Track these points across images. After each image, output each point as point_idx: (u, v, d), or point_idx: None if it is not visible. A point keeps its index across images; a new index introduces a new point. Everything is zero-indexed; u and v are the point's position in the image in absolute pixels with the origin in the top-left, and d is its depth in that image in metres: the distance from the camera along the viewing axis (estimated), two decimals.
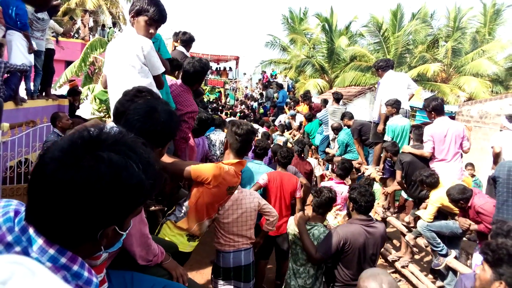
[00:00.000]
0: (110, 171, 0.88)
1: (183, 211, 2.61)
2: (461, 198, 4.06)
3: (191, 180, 2.56)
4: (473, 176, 7.16)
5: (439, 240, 4.55)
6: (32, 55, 6.42)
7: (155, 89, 2.71)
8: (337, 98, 8.77)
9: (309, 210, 4.73)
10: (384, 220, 6.20)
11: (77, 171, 0.86)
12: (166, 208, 3.33)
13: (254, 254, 3.54)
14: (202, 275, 4.63)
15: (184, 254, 2.68)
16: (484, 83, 19.81)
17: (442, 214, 4.66)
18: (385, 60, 6.41)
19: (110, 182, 0.88)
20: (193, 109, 3.23)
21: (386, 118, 5.95)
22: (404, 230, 5.46)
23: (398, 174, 5.29)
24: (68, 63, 13.01)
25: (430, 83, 20.80)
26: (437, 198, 4.43)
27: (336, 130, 7.87)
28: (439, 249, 4.51)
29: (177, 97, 3.20)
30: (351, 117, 7.34)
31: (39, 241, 0.90)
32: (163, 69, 2.90)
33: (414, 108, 16.71)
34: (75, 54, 13.95)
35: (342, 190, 4.89)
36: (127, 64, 2.71)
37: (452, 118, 8.46)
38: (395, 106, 5.78)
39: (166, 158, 2.53)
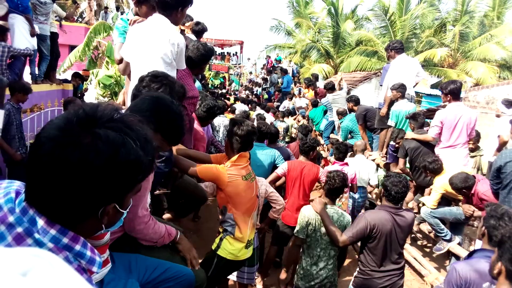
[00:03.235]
0: (107, 148, 0.88)
1: (231, 223, 2.71)
2: (463, 186, 4.05)
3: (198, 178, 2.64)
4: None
5: (442, 226, 4.55)
6: (35, 38, 6.40)
7: None
8: (330, 87, 8.75)
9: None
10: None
11: (74, 149, 0.86)
12: (169, 192, 3.36)
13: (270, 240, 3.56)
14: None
15: (243, 262, 2.86)
16: (492, 69, 19.52)
17: (445, 200, 4.65)
18: (400, 42, 6.33)
19: (108, 159, 0.88)
20: (194, 94, 3.18)
21: (391, 103, 5.90)
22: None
23: (401, 161, 5.26)
24: (72, 48, 12.95)
25: (436, 68, 20.54)
26: (441, 184, 4.41)
27: (341, 115, 7.81)
28: (443, 234, 4.52)
29: (179, 80, 3.12)
30: (357, 102, 7.27)
31: (40, 222, 0.91)
32: (184, 67, 2.95)
33: (420, 94, 16.57)
34: (78, 38, 13.88)
35: (347, 171, 4.86)
36: (158, 55, 2.70)
37: None
38: (400, 90, 5.72)
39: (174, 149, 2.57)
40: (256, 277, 3.66)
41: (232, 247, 2.68)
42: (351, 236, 3.00)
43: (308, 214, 3.23)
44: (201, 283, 2.10)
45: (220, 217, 2.83)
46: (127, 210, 1.08)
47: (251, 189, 2.76)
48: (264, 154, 4.31)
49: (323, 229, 3.16)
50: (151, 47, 2.70)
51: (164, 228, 1.99)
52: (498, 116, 5.36)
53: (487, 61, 20.21)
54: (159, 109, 1.77)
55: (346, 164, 5.01)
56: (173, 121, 1.78)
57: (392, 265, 3.01)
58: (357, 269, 3.20)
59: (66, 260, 0.92)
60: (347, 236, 3.02)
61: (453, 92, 4.81)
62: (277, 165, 4.36)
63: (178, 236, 2.08)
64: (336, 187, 3.22)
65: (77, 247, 0.95)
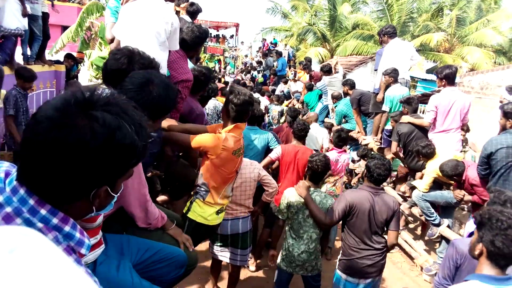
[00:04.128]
0: (104, 130, 0.89)
1: (205, 189, 2.73)
2: (454, 174, 4.11)
3: (192, 149, 2.64)
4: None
5: (432, 210, 4.62)
6: (26, 19, 6.27)
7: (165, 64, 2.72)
8: (327, 70, 8.70)
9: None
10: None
11: (71, 129, 0.87)
12: (163, 175, 3.37)
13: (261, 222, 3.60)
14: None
15: (214, 227, 2.86)
16: (488, 54, 19.52)
17: (437, 184, 4.71)
18: (393, 26, 6.30)
19: (104, 141, 0.89)
20: (188, 77, 3.15)
21: (387, 88, 5.89)
22: (400, 199, 5.52)
23: (394, 145, 5.29)
24: (64, 28, 12.74)
25: (432, 53, 20.50)
26: (433, 169, 4.46)
27: (336, 99, 7.80)
28: (432, 218, 4.59)
29: (172, 63, 3.09)
30: (352, 86, 7.24)
31: (31, 202, 0.92)
32: (178, 48, 2.92)
33: (416, 79, 16.56)
34: (71, 18, 13.62)
35: (344, 158, 4.89)
36: (151, 33, 2.68)
37: None
38: (392, 75, 5.72)
39: (167, 124, 2.58)
40: (249, 259, 3.71)
41: (201, 210, 2.70)
42: (333, 216, 3.07)
43: (288, 196, 3.25)
44: (193, 263, 2.12)
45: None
46: (118, 194, 1.09)
47: (234, 164, 2.77)
48: (258, 137, 4.31)
49: (306, 212, 3.18)
50: (144, 25, 2.67)
51: (158, 210, 2.01)
52: (501, 102, 5.36)
53: (483, 46, 20.20)
54: (143, 85, 1.75)
55: (344, 151, 5.03)
56: (154, 98, 1.75)
57: (372, 245, 3.07)
58: (341, 251, 3.25)
59: (55, 240, 0.93)
60: (330, 217, 3.09)
61: (448, 77, 4.80)
62: (271, 148, 4.37)
63: (168, 223, 2.10)
64: (319, 171, 3.23)
65: (67, 228, 0.96)
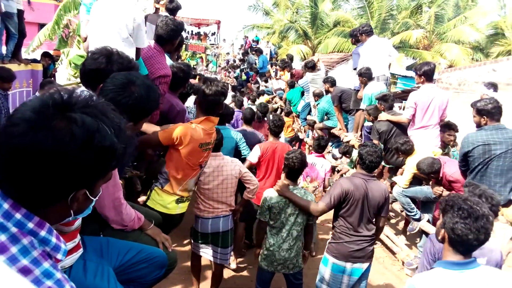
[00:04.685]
0: (82, 133, 0.88)
1: (165, 177, 2.70)
2: (430, 172, 4.18)
3: (163, 146, 2.62)
4: (453, 146, 7.18)
5: (413, 206, 4.69)
6: None
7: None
8: (311, 66, 8.71)
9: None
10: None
11: (49, 132, 0.85)
12: (144, 175, 3.33)
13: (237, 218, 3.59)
14: (186, 238, 4.68)
15: (175, 217, 2.79)
16: (465, 51, 19.94)
17: (416, 179, 4.77)
18: (369, 25, 6.35)
19: (82, 144, 0.88)
20: (166, 72, 3.11)
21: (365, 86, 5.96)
22: None
23: (377, 143, 5.34)
24: (41, 26, 12.46)
25: (412, 50, 20.82)
26: (413, 165, 4.52)
27: (318, 96, 7.84)
28: (412, 214, 4.67)
29: (149, 59, 3.06)
30: (333, 83, 7.29)
31: (5, 206, 0.89)
32: (146, 44, 2.89)
33: (396, 75, 16.79)
34: (48, 16, 13.31)
35: (322, 163, 4.91)
36: (113, 29, 2.67)
37: None
38: (365, 75, 5.83)
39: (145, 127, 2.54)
40: (230, 257, 3.66)
41: (159, 198, 2.67)
42: (329, 202, 3.07)
43: (269, 198, 3.22)
44: (172, 263, 2.12)
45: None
46: (96, 198, 1.07)
47: (199, 157, 2.75)
48: (227, 136, 4.25)
49: (288, 210, 3.17)
50: (106, 21, 2.67)
51: (133, 212, 1.99)
52: (481, 98, 5.47)
53: (461, 43, 20.62)
54: (124, 86, 1.73)
55: (323, 156, 5.07)
56: (135, 99, 1.73)
57: (363, 231, 3.10)
58: (331, 236, 3.27)
59: (31, 245, 0.91)
60: (324, 203, 3.08)
61: (427, 74, 4.86)
62: (239, 148, 4.38)
63: (146, 224, 2.09)
64: (296, 168, 3.22)
65: (42, 233, 0.94)
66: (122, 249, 1.81)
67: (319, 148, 5.03)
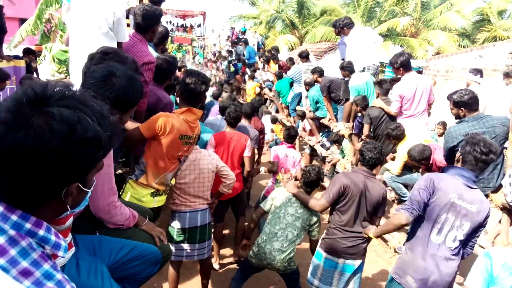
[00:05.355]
0: (62, 127, 0.85)
1: (140, 168, 2.66)
2: (421, 158, 4.22)
3: (146, 139, 2.59)
4: (441, 135, 7.24)
5: (404, 190, 4.75)
6: None
7: None
8: (305, 55, 8.63)
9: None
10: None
11: (27, 131, 0.82)
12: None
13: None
14: None
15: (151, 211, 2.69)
16: (452, 37, 20.02)
17: (407, 166, 4.80)
18: (349, 18, 6.37)
19: (64, 138, 0.85)
20: (149, 59, 3.05)
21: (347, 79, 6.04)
22: None
23: (366, 127, 5.35)
24: (22, 21, 12.18)
25: (399, 38, 20.83)
26: (404, 153, 4.54)
27: (309, 85, 7.79)
28: (405, 198, 4.70)
29: (130, 48, 3.01)
30: (321, 73, 7.26)
31: (0, 208, 0.88)
32: (127, 39, 2.84)
33: (384, 64, 16.81)
34: (29, 10, 13.03)
35: (293, 154, 4.90)
36: (93, 24, 2.64)
37: (420, 73, 8.56)
38: (347, 69, 5.93)
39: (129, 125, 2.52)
40: (208, 251, 3.47)
41: (134, 191, 2.63)
42: (328, 197, 3.10)
43: (276, 192, 3.31)
44: (167, 254, 2.16)
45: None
46: (91, 188, 1.05)
47: (178, 150, 2.71)
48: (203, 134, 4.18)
49: (288, 209, 3.19)
50: (86, 16, 2.64)
51: (128, 211, 1.98)
52: (468, 85, 5.49)
53: (447, 30, 20.69)
54: (105, 78, 1.71)
55: (293, 147, 5.04)
56: (118, 90, 1.71)
57: (357, 228, 3.11)
58: (325, 231, 3.27)
59: (29, 247, 0.90)
60: (325, 198, 3.10)
61: (404, 65, 4.84)
62: None
63: (140, 220, 2.08)
64: (311, 180, 3.31)
65: (41, 232, 0.93)
66: (115, 247, 1.79)
67: (289, 138, 5.00)
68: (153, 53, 3.51)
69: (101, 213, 1.83)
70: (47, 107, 0.86)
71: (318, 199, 3.16)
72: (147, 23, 3.10)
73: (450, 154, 3.81)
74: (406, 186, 4.85)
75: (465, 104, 3.67)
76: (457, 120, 3.80)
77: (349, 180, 3.10)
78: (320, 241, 3.30)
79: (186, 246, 3.27)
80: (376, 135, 5.28)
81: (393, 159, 4.97)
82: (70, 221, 1.45)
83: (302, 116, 8.37)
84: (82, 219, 1.80)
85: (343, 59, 6.53)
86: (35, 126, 0.83)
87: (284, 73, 9.57)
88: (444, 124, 7.43)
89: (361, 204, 3.10)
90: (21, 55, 8.14)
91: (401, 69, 4.87)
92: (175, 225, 3.24)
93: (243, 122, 4.90)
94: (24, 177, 0.85)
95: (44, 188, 0.89)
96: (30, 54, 8.29)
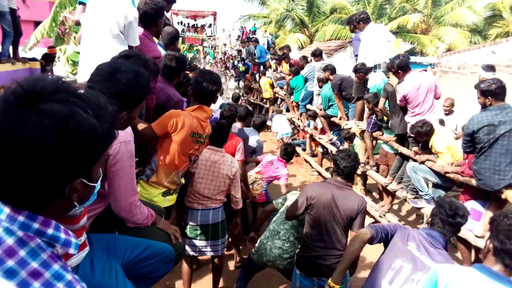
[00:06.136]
0: (55, 123, 0.83)
1: (151, 167, 2.66)
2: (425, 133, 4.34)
3: (159, 137, 2.61)
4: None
5: (424, 185, 4.66)
6: None
7: None
8: (319, 54, 8.61)
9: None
10: (364, 174, 6.36)
11: (19, 130, 0.81)
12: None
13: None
14: None
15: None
16: (463, 34, 19.75)
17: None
18: (366, 12, 6.33)
19: (58, 135, 0.83)
20: (155, 54, 3.06)
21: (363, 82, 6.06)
22: (383, 182, 5.61)
23: (382, 101, 5.35)
24: (36, 23, 12.38)
25: (410, 35, 20.64)
26: (443, 146, 4.47)
27: (322, 82, 7.78)
28: (423, 192, 4.66)
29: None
30: (333, 71, 7.26)
31: (6, 210, 0.87)
32: (138, 43, 2.84)
33: None
34: (43, 13, 13.26)
35: (278, 166, 4.82)
36: (104, 25, 2.66)
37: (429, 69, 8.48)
38: (361, 71, 5.92)
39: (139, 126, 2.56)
40: (222, 249, 3.53)
41: (145, 191, 2.63)
42: (294, 209, 2.98)
43: (292, 194, 3.33)
44: (181, 251, 2.19)
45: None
46: (98, 182, 1.04)
47: (189, 147, 2.71)
48: None
49: None
50: (98, 17, 2.66)
51: (147, 210, 2.01)
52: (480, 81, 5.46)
53: (458, 26, 20.43)
54: (110, 74, 1.69)
55: (285, 164, 4.93)
56: (124, 86, 1.69)
57: (330, 244, 2.86)
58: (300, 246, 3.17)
59: (39, 248, 0.89)
60: (291, 210, 3.03)
61: (402, 67, 4.82)
62: None
63: (157, 218, 2.13)
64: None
65: (50, 231, 0.92)
66: (129, 245, 1.82)
67: (285, 154, 4.99)
68: (162, 52, 3.52)
69: (123, 213, 1.87)
70: (37, 104, 0.84)
71: (289, 209, 3.07)
72: (149, 16, 3.09)
73: (468, 141, 3.80)
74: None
75: (492, 93, 3.68)
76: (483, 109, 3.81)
77: (314, 191, 2.93)
78: (295, 257, 3.13)
79: (198, 242, 3.34)
80: (392, 111, 5.26)
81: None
82: (84, 221, 1.45)
83: (314, 116, 8.39)
84: (102, 218, 1.86)
85: (356, 56, 6.53)
86: (26, 125, 0.81)
87: (299, 70, 9.52)
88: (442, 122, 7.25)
89: (331, 216, 2.84)
90: (37, 57, 8.29)
91: (399, 72, 4.85)
92: (188, 221, 3.30)
93: (237, 124, 4.81)
94: (24, 178, 0.84)
95: (46, 186, 0.88)
96: (48, 61, 8.40)
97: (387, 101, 5.29)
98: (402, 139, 5.29)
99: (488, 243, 1.73)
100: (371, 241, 2.37)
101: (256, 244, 3.29)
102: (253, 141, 5.05)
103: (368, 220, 5.39)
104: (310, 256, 2.90)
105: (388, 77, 5.57)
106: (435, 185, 4.70)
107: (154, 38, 3.37)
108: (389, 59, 5.58)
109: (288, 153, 5.00)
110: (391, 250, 2.33)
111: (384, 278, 2.27)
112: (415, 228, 2.49)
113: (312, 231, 2.93)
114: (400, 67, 4.82)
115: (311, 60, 9.14)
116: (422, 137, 4.60)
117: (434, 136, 4.54)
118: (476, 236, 3.87)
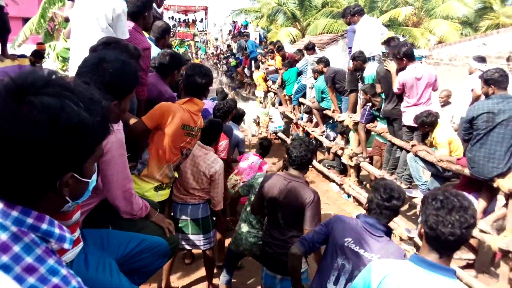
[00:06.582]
0: (44, 116, 0.83)
1: (142, 161, 2.64)
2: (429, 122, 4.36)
3: (149, 130, 2.60)
4: None
5: (421, 174, 4.69)
6: None
7: None
8: (311, 47, 8.61)
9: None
10: (357, 166, 6.39)
11: (9, 124, 0.81)
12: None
13: None
14: None
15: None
16: (454, 26, 19.85)
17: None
18: (359, 5, 6.37)
19: (48, 128, 0.83)
20: (145, 45, 3.02)
21: (358, 70, 6.03)
22: (377, 173, 5.64)
23: (378, 86, 5.39)
24: (25, 20, 12.22)
25: (401, 28, 20.69)
26: (445, 139, 4.48)
27: (317, 73, 7.76)
28: (420, 182, 4.69)
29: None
30: (326, 63, 7.24)
31: None
32: (127, 36, 2.82)
33: (385, 54, 16.71)
34: (31, 9, 13.07)
35: (253, 160, 4.85)
36: (92, 18, 2.64)
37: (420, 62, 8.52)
38: (359, 59, 5.89)
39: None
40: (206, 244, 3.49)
41: (136, 186, 2.57)
42: (253, 202, 3.08)
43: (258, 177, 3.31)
44: (175, 245, 2.21)
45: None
46: (92, 179, 1.03)
47: (181, 140, 2.70)
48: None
49: None
50: (86, 10, 2.66)
51: (141, 201, 2.01)
52: (471, 73, 5.47)
53: (449, 19, 20.53)
54: (97, 65, 1.69)
55: (262, 158, 4.94)
56: (111, 75, 1.68)
57: (278, 234, 2.80)
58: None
59: (33, 243, 0.88)
60: (252, 206, 3.11)
61: (407, 54, 4.80)
62: None
63: (152, 211, 2.12)
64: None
65: (44, 226, 0.91)
66: (123, 240, 1.80)
67: (260, 149, 4.99)
68: (154, 48, 3.49)
69: (118, 201, 1.87)
70: (28, 96, 0.83)
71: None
72: (136, 9, 3.06)
73: (467, 128, 3.83)
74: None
75: (495, 82, 3.74)
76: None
77: (266, 183, 2.85)
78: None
79: (180, 235, 3.27)
80: (386, 95, 5.28)
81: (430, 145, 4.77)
82: (77, 216, 1.44)
83: (308, 112, 8.42)
84: (95, 212, 1.85)
85: (350, 48, 6.53)
86: (16, 117, 0.81)
87: (293, 63, 9.48)
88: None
89: (277, 209, 2.76)
90: (24, 53, 8.19)
91: (404, 59, 4.82)
92: (172, 213, 3.35)
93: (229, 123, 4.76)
94: (14, 171, 0.83)
95: (36, 180, 0.87)
96: (38, 58, 8.30)
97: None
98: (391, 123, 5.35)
99: (420, 227, 1.62)
100: (304, 254, 2.35)
101: (234, 235, 3.33)
102: (235, 134, 5.03)
103: (362, 211, 5.41)
104: (265, 248, 2.91)
105: (384, 43, 5.58)
106: (434, 175, 4.70)
107: (144, 32, 3.34)
108: (382, 52, 5.59)
109: (263, 147, 5.00)
110: (331, 250, 2.26)
111: (329, 279, 2.22)
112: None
113: (266, 223, 2.97)
114: (406, 54, 4.79)
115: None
116: (425, 127, 4.56)
117: (437, 128, 4.54)
118: None
